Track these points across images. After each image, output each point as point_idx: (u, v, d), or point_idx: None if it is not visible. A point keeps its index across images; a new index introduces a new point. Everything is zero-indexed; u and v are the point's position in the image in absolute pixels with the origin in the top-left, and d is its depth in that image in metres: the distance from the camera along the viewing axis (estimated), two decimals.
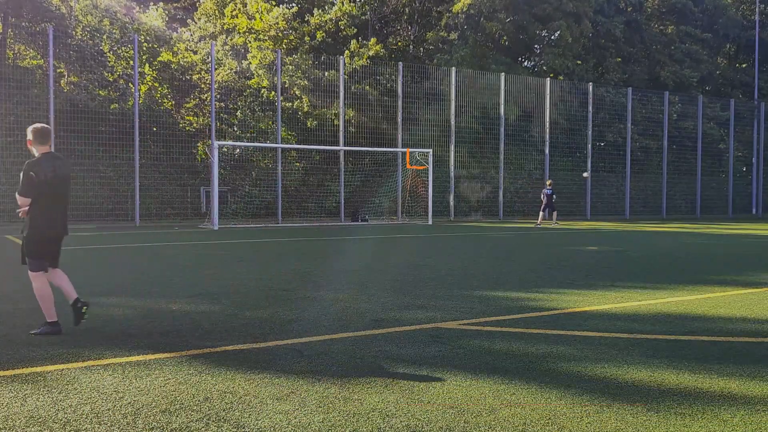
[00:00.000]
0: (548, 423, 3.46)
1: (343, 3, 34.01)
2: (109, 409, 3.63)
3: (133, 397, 3.84)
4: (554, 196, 25.61)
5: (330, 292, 7.77)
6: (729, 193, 37.02)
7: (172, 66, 28.71)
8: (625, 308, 6.80)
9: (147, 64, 27.71)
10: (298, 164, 28.69)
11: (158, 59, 28.25)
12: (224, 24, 31.97)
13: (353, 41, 32.14)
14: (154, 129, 26.08)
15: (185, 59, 29.35)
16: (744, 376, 4.34)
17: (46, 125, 5.70)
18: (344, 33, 33.59)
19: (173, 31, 32.05)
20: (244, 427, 3.37)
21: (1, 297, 7.30)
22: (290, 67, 28.76)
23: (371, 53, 31.22)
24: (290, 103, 29.02)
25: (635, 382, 4.19)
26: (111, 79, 27.42)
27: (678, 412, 3.63)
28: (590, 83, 32.99)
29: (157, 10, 31.31)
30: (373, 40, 32.82)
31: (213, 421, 3.47)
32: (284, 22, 31.33)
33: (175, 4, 36.92)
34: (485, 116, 30.57)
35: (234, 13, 32.38)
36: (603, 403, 3.78)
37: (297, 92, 29.02)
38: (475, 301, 7.10)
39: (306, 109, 28.97)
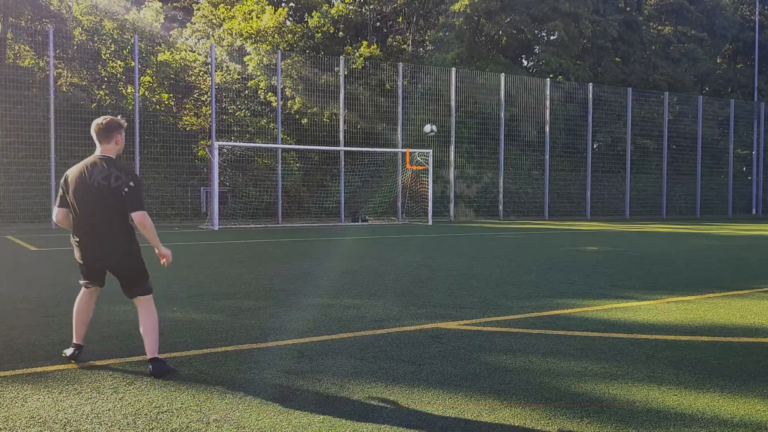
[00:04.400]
0: (549, 423, 3.46)
1: (339, 3, 34.11)
2: (109, 409, 3.63)
3: (133, 397, 3.84)
4: None
5: (330, 293, 7.77)
6: (729, 194, 37.04)
7: (172, 65, 28.74)
8: (625, 308, 6.80)
9: (147, 66, 27.72)
10: (297, 165, 28.70)
11: (157, 59, 28.26)
12: (222, 29, 31.98)
13: (348, 47, 32.23)
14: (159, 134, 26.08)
15: (184, 60, 29.38)
16: (744, 376, 4.34)
17: (109, 118, 4.47)
18: (342, 34, 33.64)
19: (171, 31, 32.08)
20: (244, 427, 3.37)
21: (2, 297, 7.30)
22: (289, 67, 28.78)
23: (366, 55, 31.30)
24: (289, 104, 29.05)
25: (635, 382, 4.19)
26: (110, 80, 27.43)
27: (678, 413, 3.63)
28: (590, 83, 33.01)
29: (154, 7, 31.28)
30: (365, 43, 32.89)
31: (213, 421, 3.47)
32: (278, 24, 31.38)
33: (174, 4, 36.96)
34: (485, 116, 30.59)
35: (230, 14, 32.43)
36: (603, 403, 3.79)
37: (295, 93, 29.05)
38: (475, 302, 7.10)
39: (301, 107, 28.99)
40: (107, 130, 4.38)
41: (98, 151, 4.41)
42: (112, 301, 7.05)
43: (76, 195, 4.31)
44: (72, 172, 4.38)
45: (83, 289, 4.60)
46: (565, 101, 33.14)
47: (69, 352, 4.58)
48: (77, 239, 4.39)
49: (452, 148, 29.21)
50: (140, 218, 4.29)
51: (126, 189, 4.26)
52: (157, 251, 4.47)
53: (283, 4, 36.48)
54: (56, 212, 4.45)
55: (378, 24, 39.77)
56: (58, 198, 4.46)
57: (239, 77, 29.25)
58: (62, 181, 4.44)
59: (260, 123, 28.49)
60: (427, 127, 24.78)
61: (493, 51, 36.64)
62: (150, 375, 4.24)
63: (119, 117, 4.50)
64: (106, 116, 4.48)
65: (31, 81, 24.90)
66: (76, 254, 4.46)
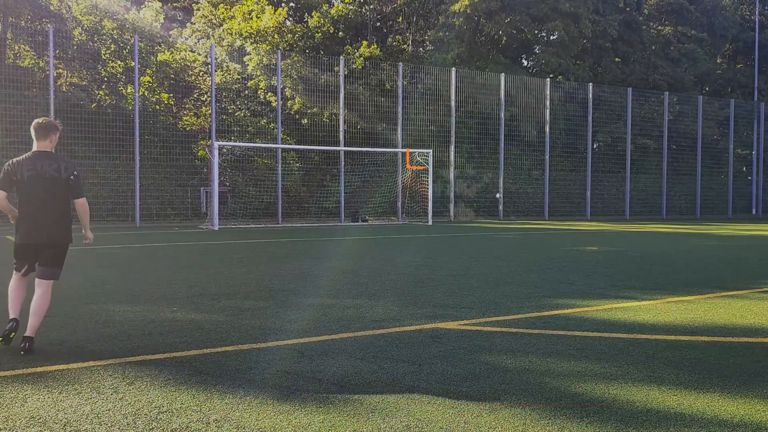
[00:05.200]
0: (549, 423, 3.46)
1: (339, 3, 34.12)
2: (109, 409, 3.63)
3: (133, 397, 3.84)
4: None
5: (330, 293, 7.77)
6: (729, 194, 37.05)
7: (172, 65, 28.73)
8: (625, 308, 6.80)
9: (147, 66, 27.72)
10: (297, 165, 28.70)
11: (157, 59, 28.27)
12: (222, 29, 31.97)
13: (348, 47, 32.23)
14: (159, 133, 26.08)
15: (184, 60, 29.38)
16: (744, 376, 4.34)
17: (46, 119, 5.20)
18: (342, 34, 33.61)
19: (171, 31, 32.08)
20: (244, 427, 3.37)
21: (2, 297, 7.29)
22: (289, 67, 28.78)
23: (366, 55, 31.31)
24: (289, 104, 29.05)
25: (635, 382, 4.19)
26: (110, 80, 27.42)
27: (678, 413, 3.63)
28: (590, 83, 33.01)
29: (154, 7, 31.27)
30: (365, 43, 32.89)
31: (213, 421, 3.47)
32: (278, 24, 31.40)
33: (174, 4, 36.95)
34: (485, 116, 30.59)
35: (230, 14, 32.44)
36: (603, 404, 3.79)
37: (295, 93, 29.05)
38: (475, 302, 7.10)
39: (301, 107, 28.99)
40: (46, 129, 5.09)
41: (35, 147, 5.09)
42: (112, 301, 7.06)
43: (31, 184, 4.96)
44: (21, 164, 5.00)
45: (14, 274, 5.13)
46: (565, 101, 33.13)
47: (8, 327, 4.93)
48: (29, 215, 5.00)
49: (452, 148, 29.21)
50: (83, 203, 5.22)
51: (72, 178, 5.07)
52: (84, 232, 5.41)
53: (283, 4, 36.47)
54: (2, 195, 5.00)
55: (378, 24, 39.76)
56: (2, 182, 5.00)
57: (239, 77, 29.24)
58: (9, 169, 4.99)
59: (260, 123, 28.48)
60: (498, 195, 29.26)
61: (493, 51, 36.62)
62: (21, 350, 4.77)
63: (56, 120, 5.38)
64: (45, 117, 5.27)
65: (31, 81, 24.89)
66: (22, 232, 5.03)
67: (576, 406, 3.75)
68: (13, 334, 4.94)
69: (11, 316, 5.01)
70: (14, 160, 5.08)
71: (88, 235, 5.44)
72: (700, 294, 7.77)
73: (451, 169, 29.26)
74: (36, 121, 5.13)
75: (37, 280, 5.09)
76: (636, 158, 34.37)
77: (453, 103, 29.44)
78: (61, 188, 5.06)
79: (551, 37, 36.03)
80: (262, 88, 29.01)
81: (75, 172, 5.13)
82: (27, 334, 4.90)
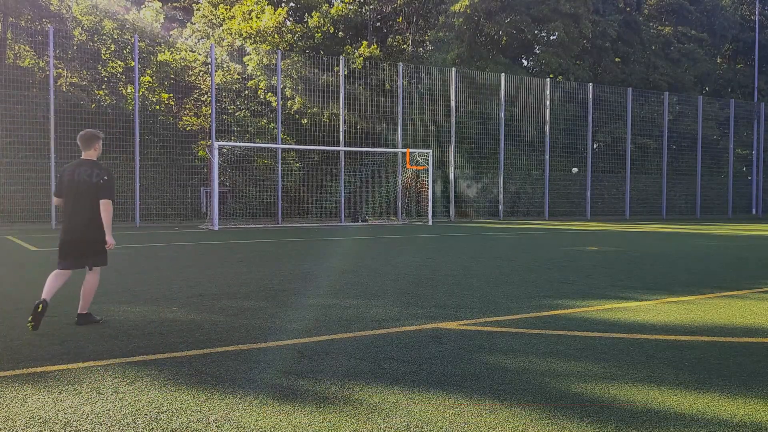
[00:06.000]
0: (549, 423, 3.46)
1: (339, 3, 34.14)
2: (109, 409, 3.63)
3: (133, 397, 3.84)
4: None
5: (330, 293, 7.77)
6: (729, 194, 37.05)
7: (172, 65, 28.74)
8: (625, 308, 6.80)
9: (147, 66, 27.72)
10: (297, 165, 28.70)
11: (157, 59, 28.27)
12: (222, 29, 31.97)
13: (348, 47, 32.24)
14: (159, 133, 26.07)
15: (184, 60, 29.39)
16: (744, 376, 4.34)
17: (87, 131, 5.93)
18: (342, 34, 33.59)
19: (171, 31, 32.07)
20: (244, 427, 3.37)
21: (2, 297, 7.30)
22: (289, 67, 28.79)
23: (366, 55, 31.32)
24: (289, 104, 29.05)
25: (635, 382, 4.19)
26: (110, 80, 27.43)
27: (678, 413, 3.63)
28: (590, 83, 33.01)
29: (154, 7, 31.27)
30: (365, 43, 32.90)
31: (213, 421, 3.47)
32: (278, 24, 31.42)
33: (174, 4, 36.95)
34: (485, 116, 30.58)
35: (230, 14, 32.45)
36: (603, 404, 3.79)
37: (295, 93, 29.05)
38: (475, 302, 7.10)
39: (301, 107, 28.99)
40: (87, 140, 5.87)
41: (83, 156, 5.89)
42: (112, 301, 7.05)
43: (69, 187, 5.78)
44: (66, 170, 5.88)
45: (57, 270, 5.77)
46: (565, 101, 33.12)
47: (36, 302, 5.47)
48: (66, 216, 5.81)
49: (452, 148, 29.21)
50: (106, 204, 5.77)
51: (101, 181, 5.74)
52: (106, 236, 5.79)
53: (282, 4, 36.48)
54: (54, 200, 6.08)
55: (378, 24, 39.78)
56: (56, 188, 5.99)
57: (239, 77, 29.25)
58: (59, 175, 5.94)
59: (260, 123, 28.49)
60: (574, 169, 30.58)
61: (493, 51, 36.63)
62: (75, 324, 5.74)
63: (98, 131, 6.02)
64: (88, 129, 5.97)
65: (31, 81, 24.90)
66: (62, 230, 5.85)
67: (576, 406, 3.75)
68: (41, 307, 5.40)
69: (43, 297, 5.54)
70: (65, 166, 5.94)
71: (109, 240, 5.80)
72: (700, 294, 7.77)
73: (451, 169, 29.26)
74: (80, 133, 5.91)
75: (92, 267, 5.91)
76: (636, 158, 34.37)
77: (453, 103, 29.44)
78: (91, 191, 5.74)
79: (551, 38, 36.02)
80: (262, 88, 29.01)
81: (106, 177, 5.79)
82: (80, 312, 5.81)
